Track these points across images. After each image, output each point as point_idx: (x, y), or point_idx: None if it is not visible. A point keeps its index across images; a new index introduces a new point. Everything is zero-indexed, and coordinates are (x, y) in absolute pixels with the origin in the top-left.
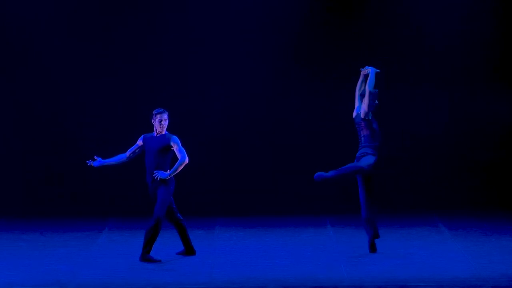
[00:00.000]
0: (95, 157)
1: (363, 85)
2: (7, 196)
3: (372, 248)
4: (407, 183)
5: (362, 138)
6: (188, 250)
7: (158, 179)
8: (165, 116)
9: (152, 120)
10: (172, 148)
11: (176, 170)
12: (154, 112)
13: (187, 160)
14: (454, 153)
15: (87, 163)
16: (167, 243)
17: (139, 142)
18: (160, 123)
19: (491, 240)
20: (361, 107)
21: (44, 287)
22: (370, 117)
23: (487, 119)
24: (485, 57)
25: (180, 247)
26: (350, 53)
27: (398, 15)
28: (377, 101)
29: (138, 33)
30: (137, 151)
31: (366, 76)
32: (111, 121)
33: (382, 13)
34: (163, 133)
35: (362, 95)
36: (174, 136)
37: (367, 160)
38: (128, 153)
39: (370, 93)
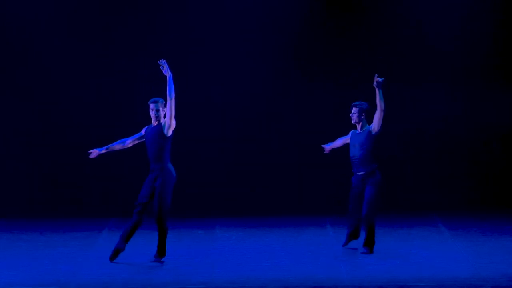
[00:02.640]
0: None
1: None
2: (7, 196)
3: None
4: (407, 183)
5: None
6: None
7: None
8: (151, 106)
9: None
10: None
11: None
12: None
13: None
14: (454, 153)
15: (91, 154)
16: (167, 243)
17: None
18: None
19: (491, 240)
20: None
21: (44, 287)
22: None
23: (487, 119)
24: (485, 57)
25: (180, 247)
26: (350, 53)
27: (398, 15)
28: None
29: (138, 33)
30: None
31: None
32: (111, 121)
33: (382, 13)
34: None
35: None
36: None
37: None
38: None
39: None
